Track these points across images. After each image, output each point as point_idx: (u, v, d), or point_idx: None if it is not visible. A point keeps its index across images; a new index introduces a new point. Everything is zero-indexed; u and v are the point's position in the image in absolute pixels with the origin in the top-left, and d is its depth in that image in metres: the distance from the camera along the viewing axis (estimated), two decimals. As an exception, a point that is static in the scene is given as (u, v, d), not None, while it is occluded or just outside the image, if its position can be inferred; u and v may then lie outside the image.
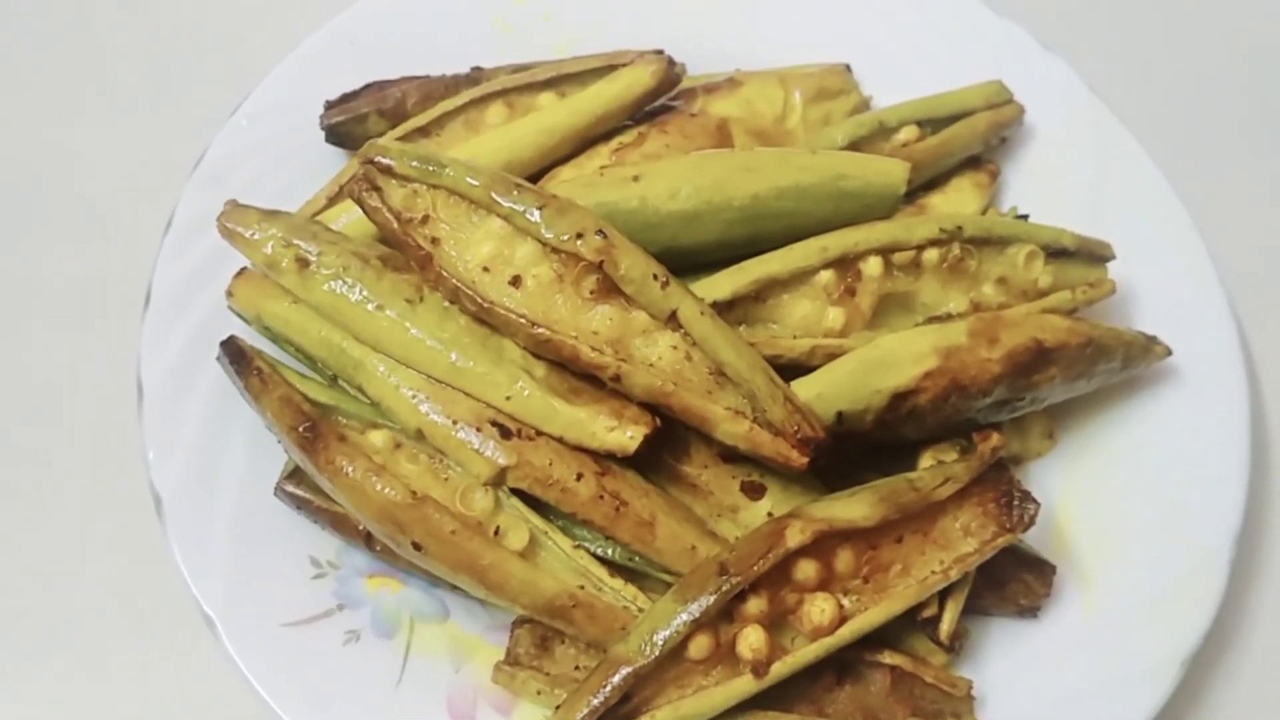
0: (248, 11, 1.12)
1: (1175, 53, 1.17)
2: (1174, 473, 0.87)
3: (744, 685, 0.72)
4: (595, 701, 0.70)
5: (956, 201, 0.94)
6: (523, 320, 0.75)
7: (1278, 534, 0.94)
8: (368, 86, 0.94)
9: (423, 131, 0.90)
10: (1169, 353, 0.88)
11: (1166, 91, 1.14)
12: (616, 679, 0.70)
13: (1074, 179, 0.98)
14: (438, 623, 0.81)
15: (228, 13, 1.12)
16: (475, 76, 0.94)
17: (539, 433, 0.76)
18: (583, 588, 0.75)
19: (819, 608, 0.73)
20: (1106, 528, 0.86)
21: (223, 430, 0.84)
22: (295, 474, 0.81)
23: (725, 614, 0.72)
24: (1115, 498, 0.87)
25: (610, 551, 0.77)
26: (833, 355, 0.79)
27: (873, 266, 0.82)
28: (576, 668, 0.77)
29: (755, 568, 0.71)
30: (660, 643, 0.71)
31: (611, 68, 0.91)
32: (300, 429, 0.76)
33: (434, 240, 0.76)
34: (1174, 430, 0.88)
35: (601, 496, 0.76)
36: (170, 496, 0.81)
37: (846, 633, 0.73)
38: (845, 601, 0.74)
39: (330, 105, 0.93)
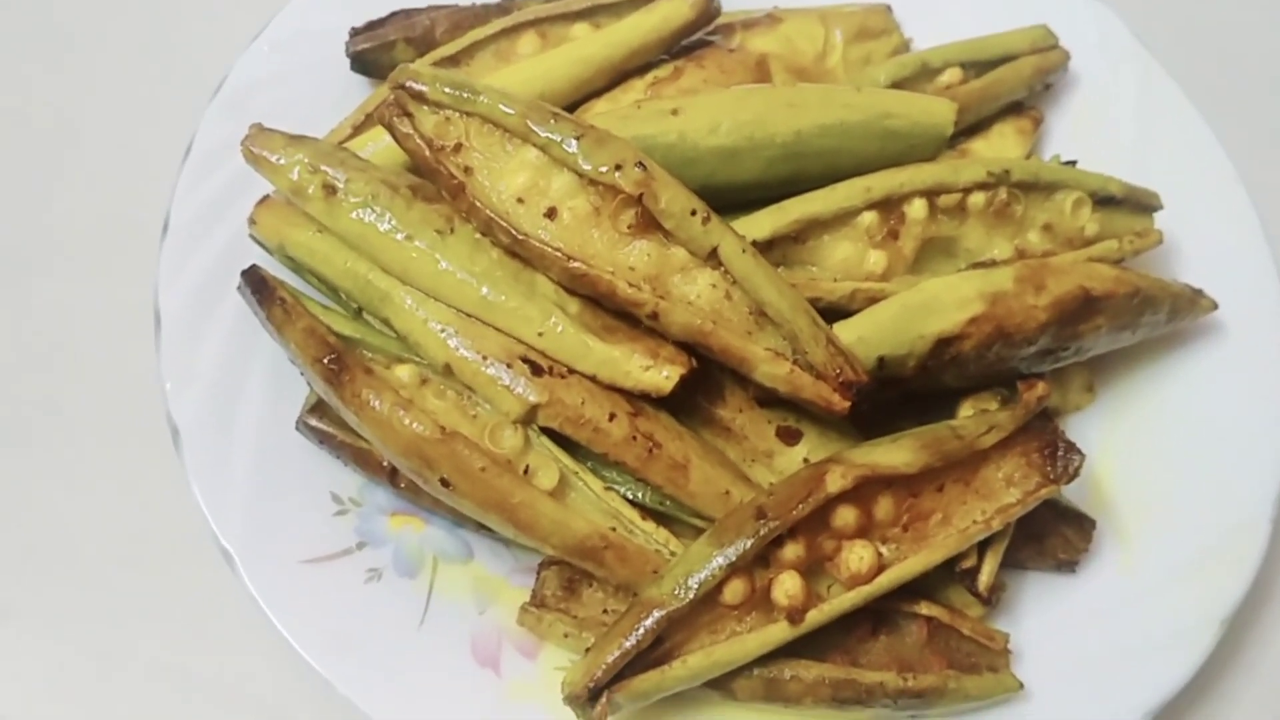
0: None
1: (1222, 3, 1.14)
2: (1215, 429, 0.85)
3: (778, 632, 0.70)
4: (627, 644, 0.68)
5: (999, 147, 0.92)
6: (558, 254, 0.72)
7: (1322, 493, 0.92)
8: (395, 14, 0.91)
9: (452, 60, 0.87)
10: (1215, 306, 0.86)
11: (1213, 43, 1.11)
12: (649, 622, 0.69)
13: (1118, 129, 0.96)
14: (461, 563, 0.79)
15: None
16: (506, 6, 0.92)
17: (571, 371, 0.74)
18: (614, 529, 0.73)
19: (857, 555, 0.71)
20: (1146, 484, 0.84)
21: (243, 362, 0.82)
22: (317, 408, 0.79)
23: (761, 559, 0.70)
24: (1155, 453, 0.85)
25: (641, 494, 0.75)
26: (873, 299, 0.77)
27: (917, 209, 0.79)
28: (605, 611, 0.76)
29: (794, 512, 0.69)
30: (695, 586, 0.69)
31: (648, -1, 0.88)
32: (325, 361, 0.74)
33: (467, 169, 0.73)
34: (1216, 386, 0.87)
35: (634, 437, 0.74)
36: (188, 429, 0.79)
37: (885, 581, 0.72)
38: (884, 550, 0.73)
39: (356, 32, 0.90)
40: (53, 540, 0.85)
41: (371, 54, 0.89)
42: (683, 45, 0.89)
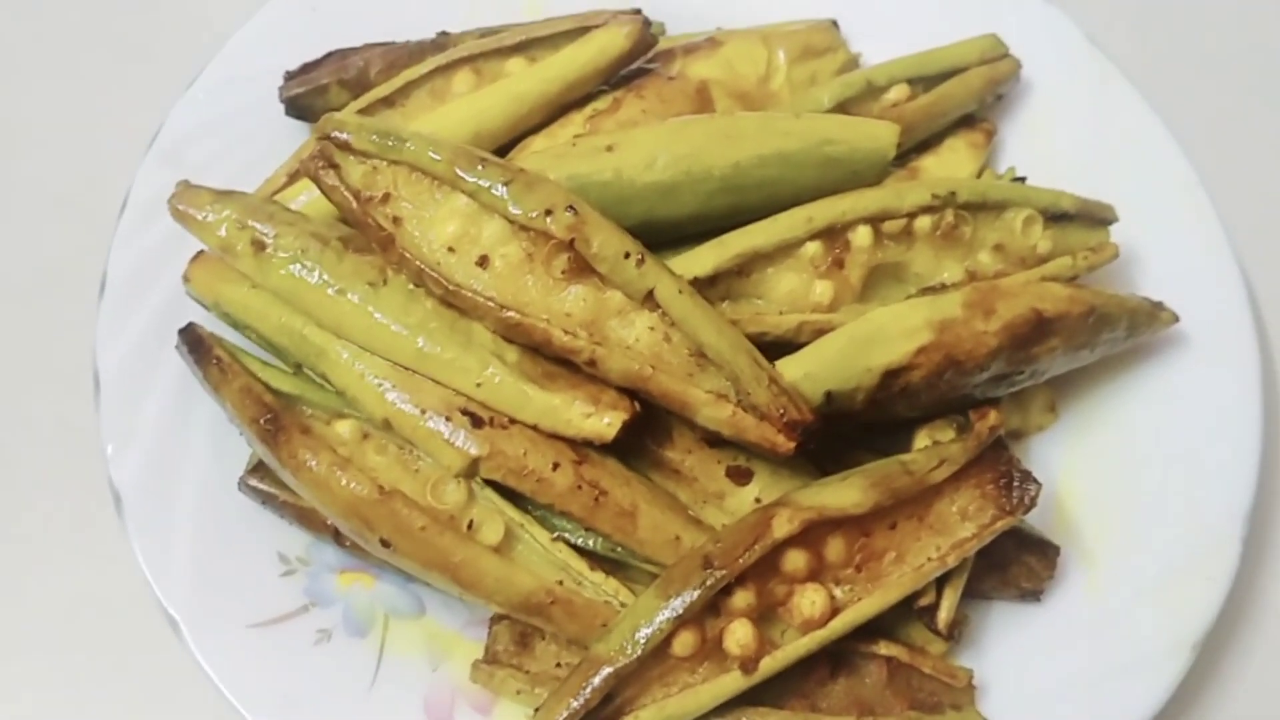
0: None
1: (1178, 1, 1.12)
2: (1182, 446, 0.83)
3: (732, 682, 0.69)
4: (575, 704, 0.67)
5: (950, 163, 0.90)
6: (491, 303, 0.71)
7: (1292, 510, 0.90)
8: (329, 55, 0.90)
9: (386, 102, 0.86)
10: (1176, 319, 0.84)
11: (1170, 43, 1.09)
12: (597, 680, 0.67)
13: (1074, 137, 0.94)
14: (413, 619, 0.78)
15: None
16: (441, 42, 0.90)
17: (512, 421, 0.73)
18: (561, 583, 0.72)
19: (809, 599, 0.70)
20: (1112, 505, 0.82)
21: (184, 422, 0.80)
22: (260, 467, 0.77)
23: (711, 608, 0.69)
24: (1121, 473, 0.83)
25: (591, 542, 0.74)
26: (821, 331, 0.75)
27: (862, 236, 0.78)
28: (558, 665, 0.74)
29: (741, 560, 0.68)
30: (643, 641, 0.67)
31: (584, 29, 0.87)
32: (262, 421, 0.72)
33: (396, 220, 0.72)
34: (1182, 401, 0.84)
35: (580, 486, 0.72)
36: (130, 492, 0.77)
37: (839, 624, 0.70)
38: (837, 592, 0.71)
39: (290, 76, 0.89)
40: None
41: (306, 98, 0.88)
42: (622, 75, 0.87)
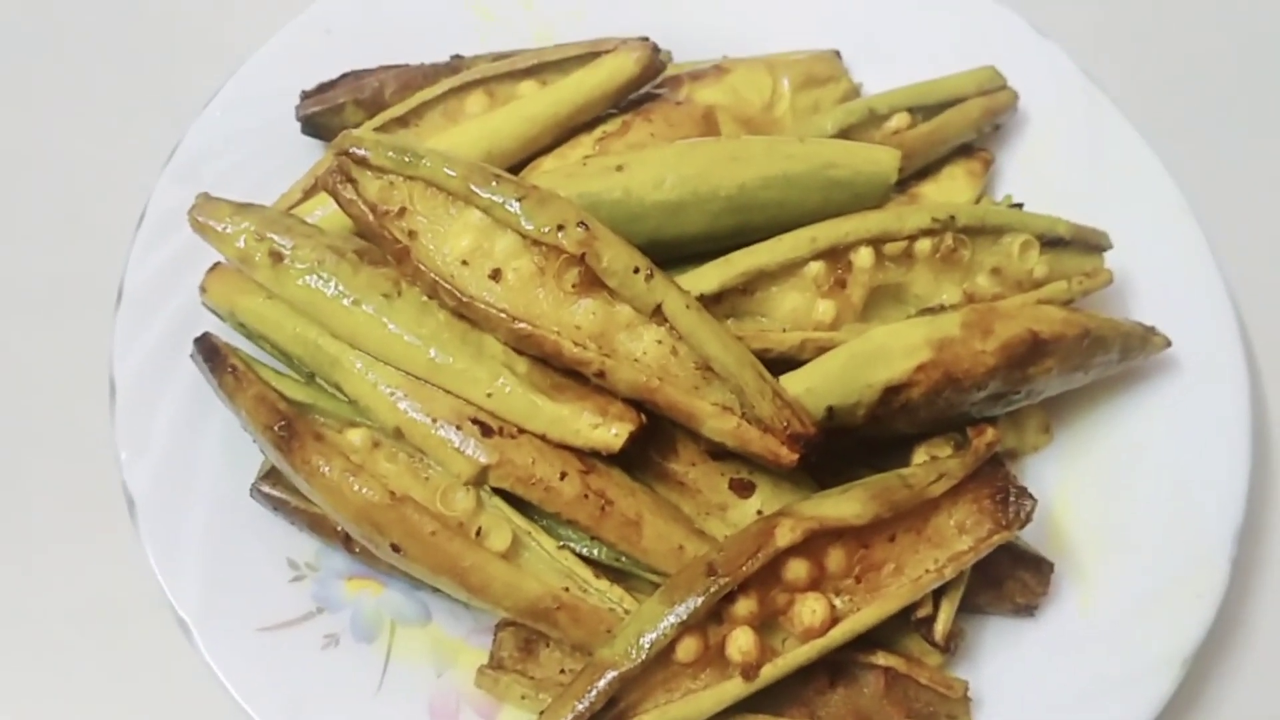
0: (222, 1, 1.09)
1: (1171, 37, 1.15)
2: (1174, 466, 0.85)
3: (733, 688, 0.70)
4: (580, 707, 0.68)
5: (949, 190, 0.92)
6: (503, 315, 0.72)
7: (1280, 528, 0.92)
8: (345, 76, 0.92)
9: (401, 121, 0.88)
10: (1168, 344, 0.86)
11: (1162, 76, 1.11)
12: (602, 683, 0.68)
13: (1069, 166, 0.96)
14: (419, 626, 0.79)
15: (202, 2, 1.09)
16: (455, 65, 0.92)
17: (521, 430, 0.74)
18: (567, 589, 0.73)
19: (810, 608, 0.71)
20: (1105, 523, 0.84)
21: (197, 430, 0.82)
22: (272, 474, 0.79)
23: (714, 615, 0.70)
24: (1114, 493, 0.85)
25: (596, 552, 0.75)
26: (823, 348, 0.77)
27: (864, 257, 0.80)
28: (562, 671, 0.75)
29: (744, 568, 0.69)
30: (647, 646, 0.69)
31: (594, 55, 0.89)
32: (275, 428, 0.74)
33: (411, 233, 0.74)
34: (1173, 423, 0.86)
35: (586, 495, 0.74)
36: (143, 498, 0.79)
37: (838, 634, 0.71)
38: (837, 602, 0.72)
39: (306, 95, 0.91)
40: (7, 610, 0.85)
41: (321, 117, 0.90)
42: (630, 99, 0.90)
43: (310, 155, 0.91)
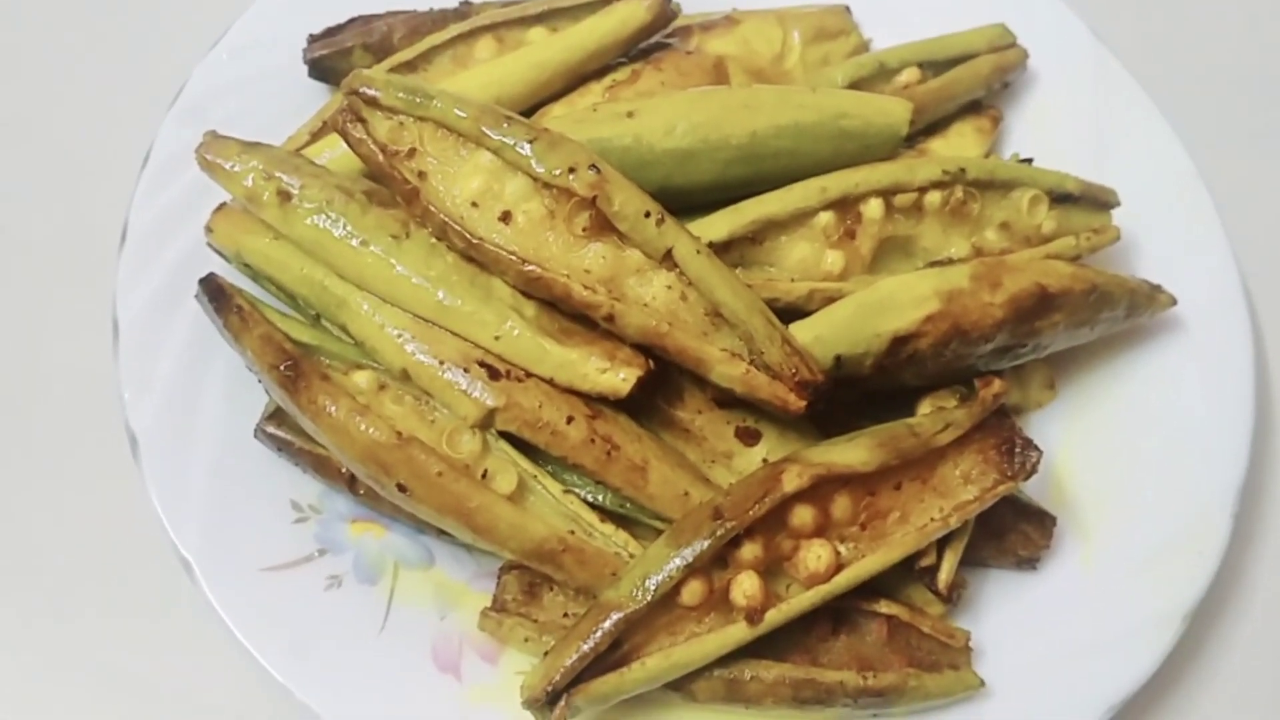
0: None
1: (1180, -2, 1.15)
2: (1176, 424, 0.85)
3: (737, 633, 0.70)
4: (585, 647, 0.68)
5: (958, 146, 0.92)
6: (513, 257, 0.72)
7: (1282, 486, 0.93)
8: (353, 20, 0.91)
9: (409, 66, 0.87)
10: (1174, 302, 0.86)
11: (1170, 37, 1.11)
12: (607, 624, 0.68)
13: (1077, 125, 0.96)
14: (422, 569, 0.79)
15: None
16: (463, 10, 0.91)
17: (528, 374, 0.74)
18: (573, 532, 0.73)
19: (815, 554, 0.71)
20: (1107, 479, 0.84)
21: (201, 370, 0.81)
22: (276, 415, 0.79)
23: (719, 560, 0.70)
24: (1116, 449, 0.85)
25: (601, 497, 0.75)
26: (831, 299, 0.77)
27: (873, 209, 0.79)
28: (565, 615, 0.75)
29: (751, 512, 0.69)
30: (652, 588, 0.69)
31: (605, 2, 0.88)
32: (282, 367, 0.73)
33: (421, 174, 0.73)
34: (1177, 381, 0.87)
35: (593, 440, 0.74)
36: (146, 437, 0.78)
37: (843, 580, 0.72)
38: (842, 549, 0.73)
39: (314, 39, 0.90)
40: (10, 547, 0.85)
41: (329, 60, 0.89)
42: (640, 48, 0.89)
43: (317, 99, 0.90)
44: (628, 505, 0.75)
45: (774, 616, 0.71)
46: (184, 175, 0.84)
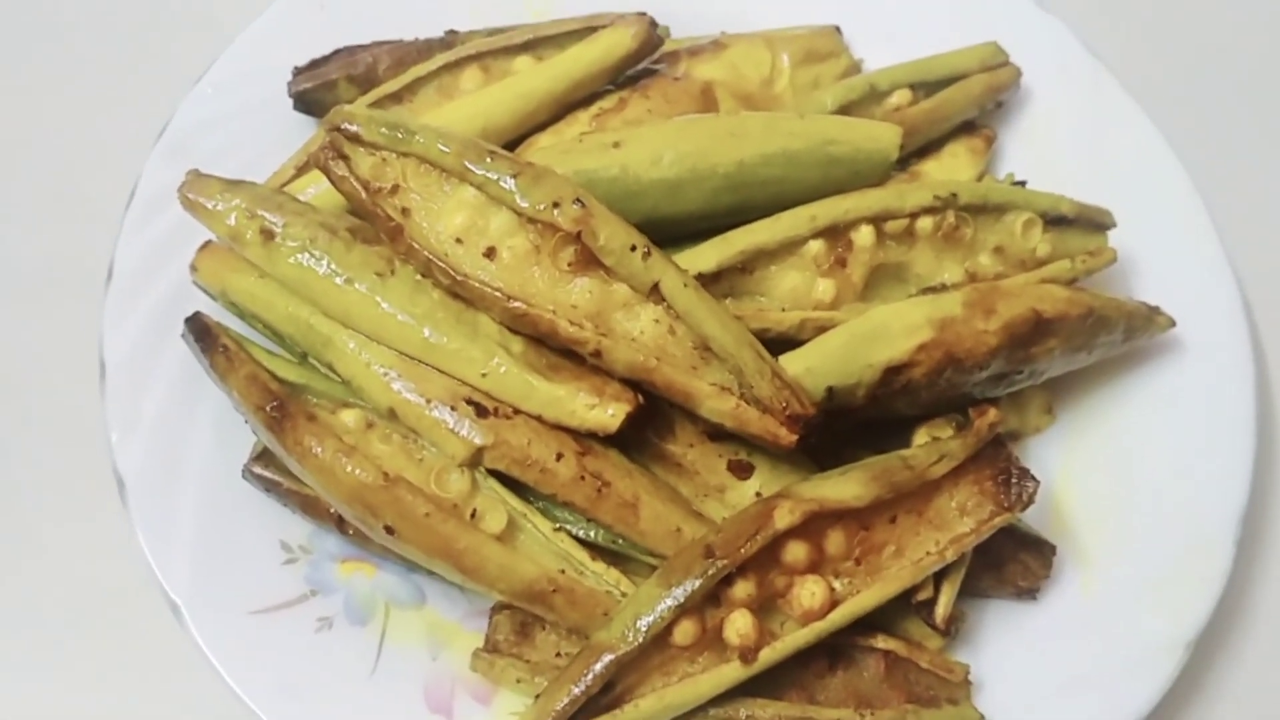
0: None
1: (1174, 12, 1.13)
2: (1177, 449, 0.84)
3: (732, 672, 0.69)
4: (576, 690, 0.67)
5: (951, 168, 0.91)
6: (498, 294, 0.71)
7: (1285, 512, 0.91)
8: (337, 52, 0.90)
9: (394, 98, 0.86)
10: (1172, 324, 0.85)
11: (1166, 53, 1.10)
12: (599, 667, 0.68)
13: (1072, 144, 0.95)
14: (414, 609, 0.79)
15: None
16: (449, 40, 0.91)
17: (516, 411, 0.73)
18: (563, 572, 0.72)
19: (809, 591, 0.70)
20: (1107, 506, 0.83)
21: (188, 410, 0.81)
22: (264, 455, 0.78)
23: (712, 598, 0.69)
24: (1116, 475, 0.84)
25: (592, 534, 0.74)
26: (823, 328, 0.76)
27: (864, 236, 0.78)
28: (558, 654, 0.75)
29: (743, 550, 0.68)
30: (644, 629, 0.68)
31: (591, 30, 0.88)
32: (268, 408, 0.73)
33: (404, 211, 0.73)
34: (1177, 404, 0.86)
35: (583, 477, 0.73)
36: (134, 479, 0.78)
37: (838, 617, 0.71)
38: (837, 584, 0.72)
39: (299, 71, 0.90)
40: (-3, 591, 0.84)
41: (314, 93, 0.89)
42: (627, 75, 0.88)
43: (303, 132, 0.90)
44: (619, 542, 0.74)
45: (769, 655, 0.70)
46: (170, 212, 0.83)
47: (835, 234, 0.78)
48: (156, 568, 0.75)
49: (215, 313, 0.78)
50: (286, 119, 0.90)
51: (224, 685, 0.73)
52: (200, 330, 0.76)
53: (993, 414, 0.75)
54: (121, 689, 0.81)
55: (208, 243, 0.79)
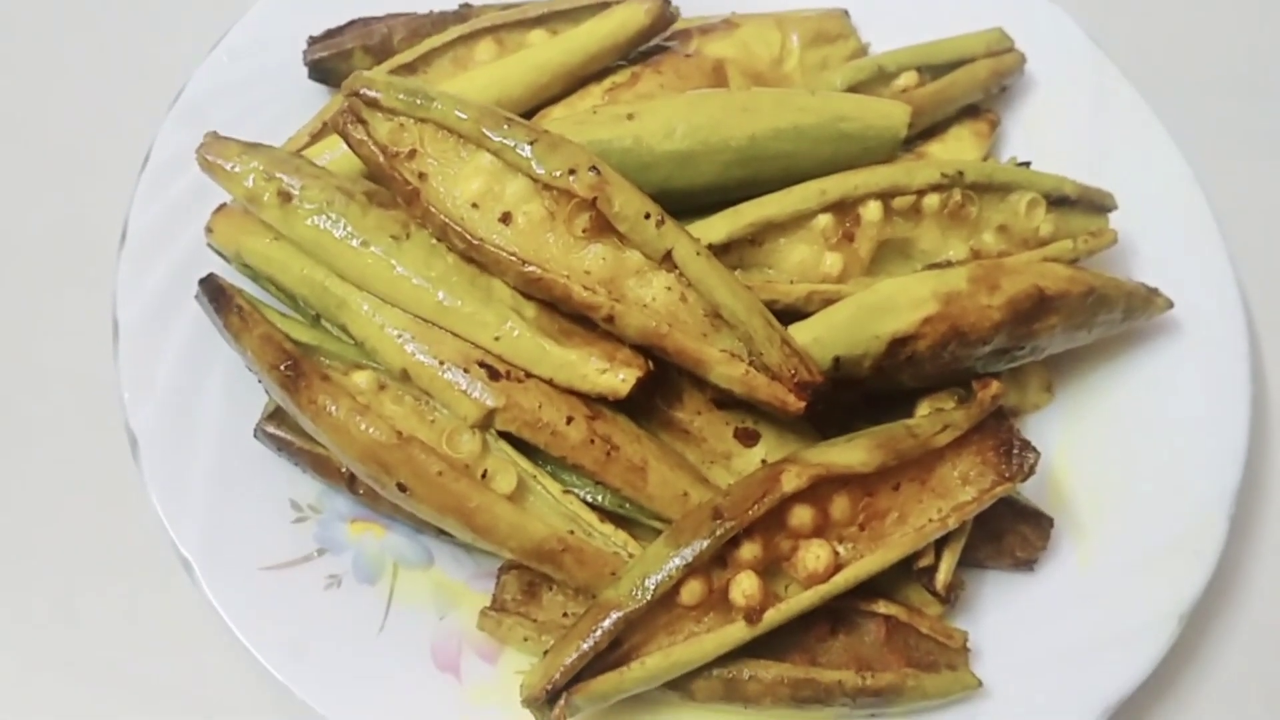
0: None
1: (1174, 1, 1.15)
2: (1173, 426, 0.86)
3: (736, 632, 0.70)
4: (584, 646, 0.68)
5: (955, 150, 0.92)
6: (513, 258, 0.72)
7: (1278, 488, 0.93)
8: (353, 22, 0.91)
9: (409, 68, 0.87)
10: (1170, 305, 0.86)
11: (1167, 42, 1.12)
12: (607, 623, 0.69)
13: (1074, 129, 0.96)
14: (421, 569, 0.79)
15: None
16: (464, 13, 0.92)
17: (528, 374, 0.74)
18: (572, 532, 0.73)
19: (814, 554, 0.71)
20: (1104, 481, 0.85)
21: (201, 370, 0.82)
22: (276, 415, 0.79)
23: (718, 559, 0.70)
24: (1113, 451, 0.86)
25: (600, 497, 0.75)
26: (829, 301, 0.77)
27: (872, 211, 0.80)
28: (565, 614, 0.76)
29: (750, 512, 0.70)
30: (652, 587, 0.69)
31: (604, 5, 0.89)
32: (282, 367, 0.73)
33: (421, 175, 0.74)
34: (1173, 383, 0.87)
35: (592, 440, 0.74)
36: (146, 438, 0.78)
37: (841, 580, 0.72)
38: (841, 549, 0.73)
39: (314, 40, 0.90)
40: (10, 548, 0.85)
41: (329, 62, 0.89)
42: (640, 51, 0.89)
43: (317, 101, 0.91)
44: (627, 505, 0.75)
45: (773, 616, 0.71)
46: (184, 176, 0.84)
47: (844, 209, 0.80)
48: (168, 525, 0.76)
49: (228, 276, 0.79)
50: (301, 87, 0.91)
51: (234, 640, 0.73)
52: (214, 291, 0.77)
53: (995, 386, 0.76)
54: (133, 643, 0.82)
55: (222, 205, 0.80)
